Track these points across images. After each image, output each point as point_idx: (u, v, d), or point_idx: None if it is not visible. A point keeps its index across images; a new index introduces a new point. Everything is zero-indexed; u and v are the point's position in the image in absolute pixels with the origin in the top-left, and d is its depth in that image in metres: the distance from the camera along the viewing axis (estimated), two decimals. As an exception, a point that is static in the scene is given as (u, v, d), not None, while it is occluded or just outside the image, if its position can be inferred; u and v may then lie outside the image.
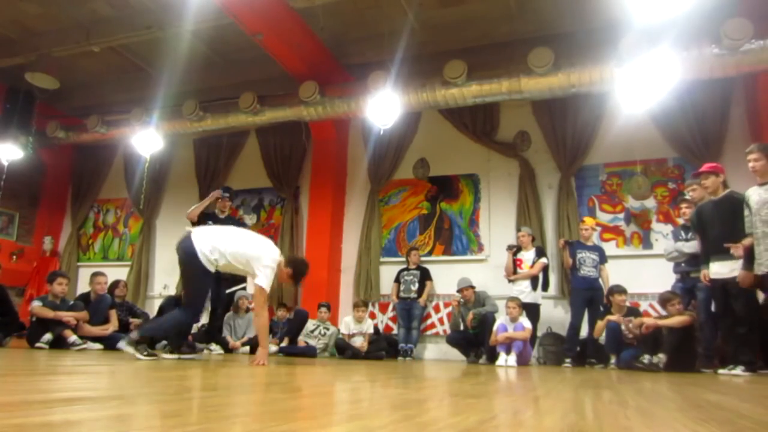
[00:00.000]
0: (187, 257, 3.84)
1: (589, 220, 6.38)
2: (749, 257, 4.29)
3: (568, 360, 5.85)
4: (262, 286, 3.75)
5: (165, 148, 8.56)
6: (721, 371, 4.57)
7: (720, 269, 4.58)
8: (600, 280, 6.03)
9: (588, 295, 5.95)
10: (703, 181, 4.77)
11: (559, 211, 7.07)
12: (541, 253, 6.33)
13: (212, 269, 3.89)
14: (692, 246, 5.25)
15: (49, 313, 5.49)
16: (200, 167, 9.24)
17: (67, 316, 5.52)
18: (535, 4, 6.91)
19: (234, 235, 4.06)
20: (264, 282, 3.75)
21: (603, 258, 6.12)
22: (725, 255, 4.50)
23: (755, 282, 4.31)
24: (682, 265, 5.39)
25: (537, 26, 7.14)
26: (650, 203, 6.80)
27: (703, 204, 4.94)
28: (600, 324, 5.54)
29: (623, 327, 5.33)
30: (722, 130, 6.59)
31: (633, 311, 5.53)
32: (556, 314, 6.81)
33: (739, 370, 4.31)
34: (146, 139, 7.97)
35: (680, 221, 5.82)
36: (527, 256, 6.31)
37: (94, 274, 6.26)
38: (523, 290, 6.12)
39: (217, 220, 6.13)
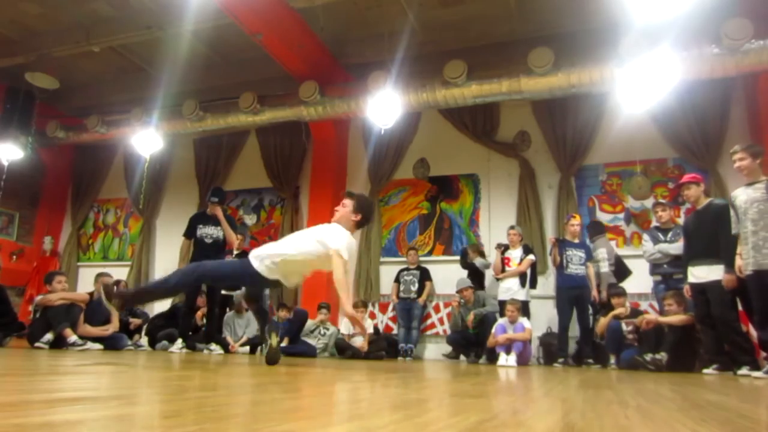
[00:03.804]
0: None
1: (578, 217, 6.35)
2: (732, 260, 4.30)
3: (560, 360, 5.83)
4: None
5: (165, 148, 8.56)
6: (705, 371, 4.60)
7: (698, 273, 4.67)
8: (587, 278, 6.01)
9: (574, 294, 5.92)
10: (686, 191, 4.87)
11: (559, 211, 7.07)
12: (528, 250, 6.34)
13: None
14: (678, 247, 5.28)
15: (58, 298, 5.52)
16: (200, 167, 9.24)
17: (75, 301, 5.57)
18: (535, 4, 6.91)
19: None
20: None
21: (589, 255, 6.11)
22: (704, 259, 4.61)
23: (739, 285, 4.32)
24: (665, 266, 5.41)
25: (537, 26, 7.14)
26: (650, 203, 6.80)
27: (689, 217, 5.11)
28: (603, 321, 5.52)
29: (624, 328, 5.31)
30: (722, 130, 6.60)
31: (636, 312, 5.51)
32: (555, 314, 6.79)
33: (745, 370, 4.31)
34: (146, 139, 7.97)
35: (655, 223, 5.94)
36: (515, 254, 6.32)
37: (100, 274, 6.28)
38: (511, 287, 6.13)
39: (208, 220, 6.10)
